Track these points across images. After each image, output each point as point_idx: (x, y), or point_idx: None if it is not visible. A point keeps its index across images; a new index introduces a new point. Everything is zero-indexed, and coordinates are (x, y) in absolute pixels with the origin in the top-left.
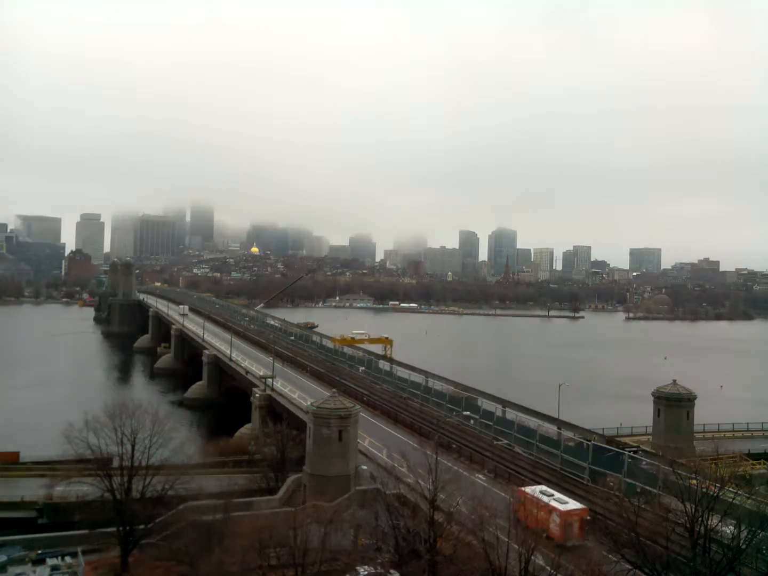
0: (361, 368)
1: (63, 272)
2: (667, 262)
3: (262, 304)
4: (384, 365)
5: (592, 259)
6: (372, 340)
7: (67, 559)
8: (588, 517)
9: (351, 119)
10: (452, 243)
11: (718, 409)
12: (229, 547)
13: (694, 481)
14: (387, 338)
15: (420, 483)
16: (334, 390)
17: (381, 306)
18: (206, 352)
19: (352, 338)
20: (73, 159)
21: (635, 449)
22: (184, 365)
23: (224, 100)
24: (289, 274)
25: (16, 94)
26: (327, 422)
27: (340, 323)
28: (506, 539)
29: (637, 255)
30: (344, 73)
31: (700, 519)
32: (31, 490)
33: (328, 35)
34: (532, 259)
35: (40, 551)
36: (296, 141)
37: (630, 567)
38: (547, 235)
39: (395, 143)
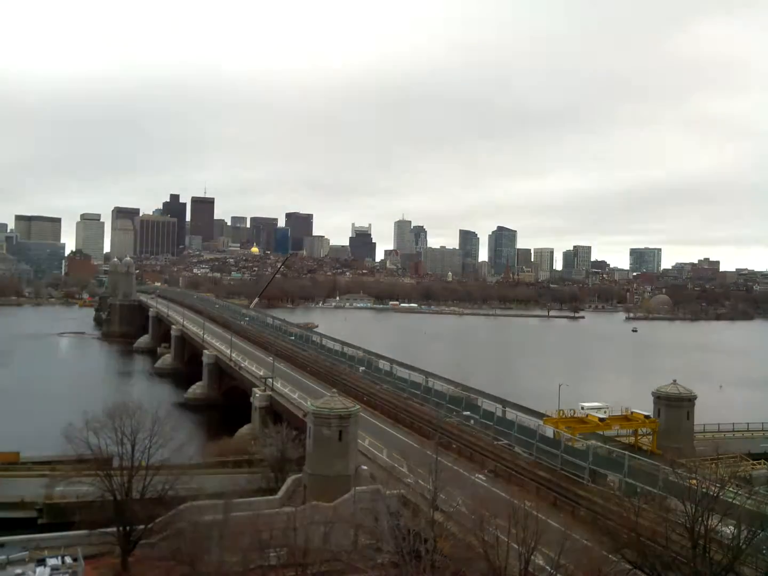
0: (361, 368)
1: (63, 272)
2: (667, 262)
3: (256, 300)
4: (384, 365)
5: (592, 259)
6: (624, 422)
7: (68, 559)
8: None
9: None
10: (452, 243)
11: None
12: (229, 547)
13: (694, 481)
14: (648, 417)
15: (420, 483)
16: (334, 390)
17: (381, 306)
18: (206, 352)
19: (583, 418)
20: (73, 159)
21: None
22: (184, 365)
23: (223, 96)
24: (289, 274)
25: (15, 91)
26: (327, 422)
27: (340, 324)
28: (506, 539)
29: (637, 255)
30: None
31: (700, 519)
32: (31, 490)
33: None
34: (532, 259)
35: (40, 551)
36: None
37: (630, 567)
38: (547, 235)
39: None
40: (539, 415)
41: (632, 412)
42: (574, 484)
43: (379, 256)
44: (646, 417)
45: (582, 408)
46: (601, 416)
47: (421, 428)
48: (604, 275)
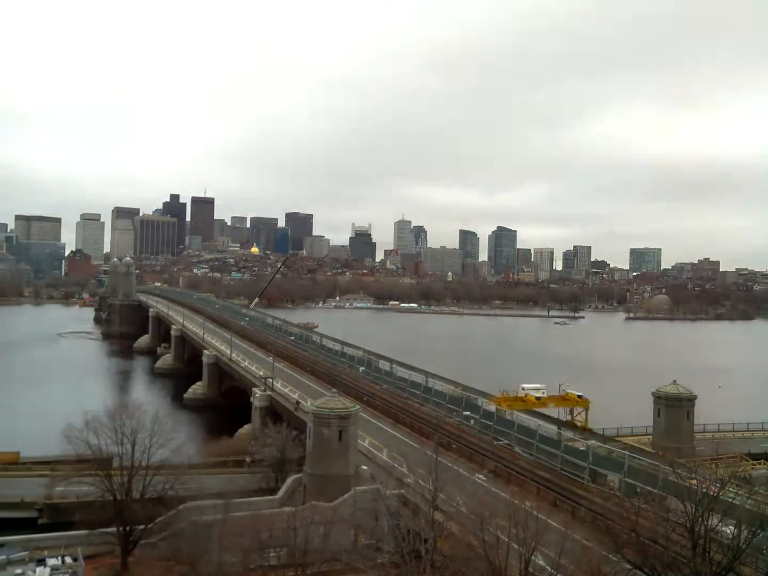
0: (361, 368)
1: (63, 272)
2: (667, 262)
3: (256, 300)
4: (384, 365)
5: (592, 259)
6: (559, 402)
7: (68, 559)
8: None
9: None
10: (452, 243)
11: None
12: (229, 547)
13: (694, 481)
14: (580, 397)
15: (420, 483)
16: (334, 390)
17: (381, 306)
18: (206, 352)
19: (523, 398)
20: (74, 159)
21: None
22: (184, 365)
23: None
24: (289, 274)
25: (15, 93)
26: (327, 422)
27: (340, 324)
28: (506, 539)
29: (637, 255)
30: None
31: (700, 519)
32: (31, 490)
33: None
34: (532, 259)
35: (40, 551)
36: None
37: (630, 567)
38: (547, 235)
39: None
40: (487, 396)
41: (567, 393)
42: (574, 484)
43: (379, 256)
44: (579, 397)
45: (522, 389)
46: (538, 395)
47: (421, 428)
48: (604, 275)
